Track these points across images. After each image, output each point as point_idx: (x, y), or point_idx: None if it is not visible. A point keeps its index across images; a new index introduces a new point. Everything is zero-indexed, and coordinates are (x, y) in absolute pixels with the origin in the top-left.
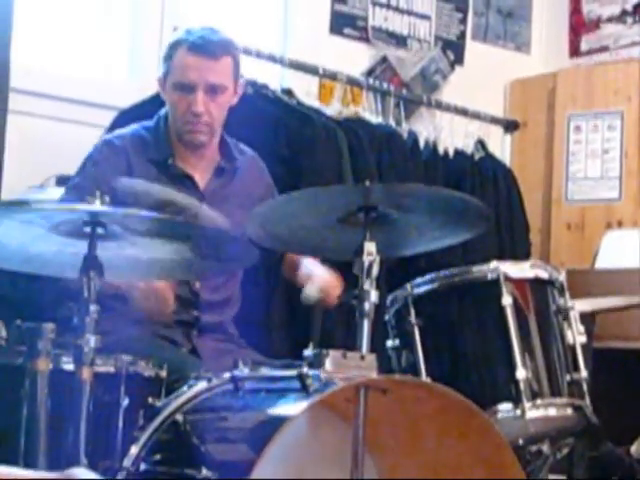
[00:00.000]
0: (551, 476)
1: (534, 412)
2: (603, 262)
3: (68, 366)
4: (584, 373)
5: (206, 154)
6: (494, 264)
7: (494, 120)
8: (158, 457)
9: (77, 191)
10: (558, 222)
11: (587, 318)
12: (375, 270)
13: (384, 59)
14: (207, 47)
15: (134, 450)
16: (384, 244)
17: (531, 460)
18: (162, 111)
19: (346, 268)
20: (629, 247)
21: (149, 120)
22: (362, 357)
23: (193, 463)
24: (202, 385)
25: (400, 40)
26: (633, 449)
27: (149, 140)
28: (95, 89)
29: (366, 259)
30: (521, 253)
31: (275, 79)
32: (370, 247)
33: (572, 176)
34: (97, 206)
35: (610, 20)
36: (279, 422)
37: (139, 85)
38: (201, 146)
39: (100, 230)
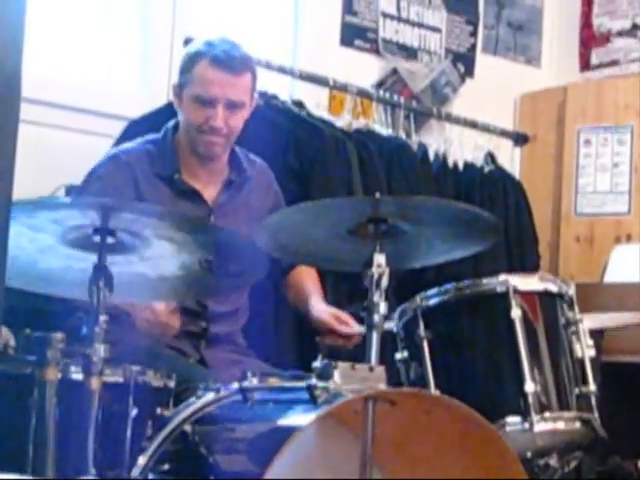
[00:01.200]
0: None
1: (542, 425)
2: (612, 276)
3: (77, 376)
4: (593, 387)
5: (215, 167)
6: (503, 277)
7: (504, 133)
8: (166, 467)
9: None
10: (567, 235)
11: (596, 332)
12: (384, 282)
13: (394, 71)
14: (230, 63)
15: (142, 460)
16: (394, 256)
17: (539, 474)
18: (170, 123)
19: (355, 280)
20: (638, 261)
21: (157, 132)
22: (371, 369)
23: (201, 474)
24: (210, 396)
25: (410, 52)
26: None
27: (155, 154)
28: (105, 99)
29: (375, 271)
30: (530, 266)
31: (285, 90)
32: (380, 259)
33: (581, 190)
34: (107, 201)
35: (620, 34)
36: (287, 433)
37: (149, 95)
38: (214, 158)
39: (110, 239)
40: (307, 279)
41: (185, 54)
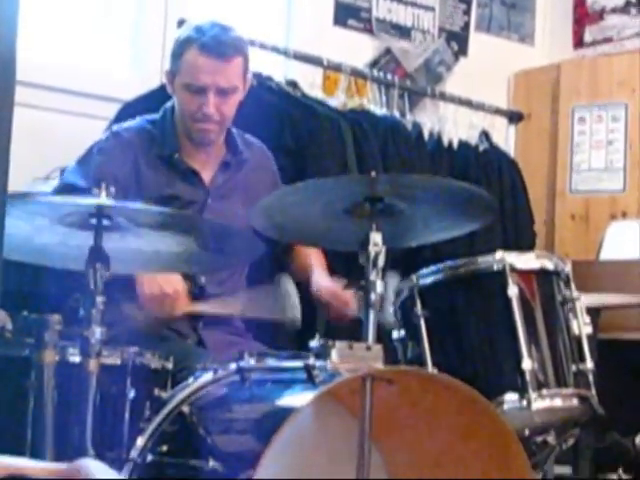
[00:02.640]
0: (557, 467)
1: (540, 403)
2: (607, 253)
3: (74, 358)
4: (590, 364)
5: (213, 149)
6: (500, 255)
7: (498, 111)
8: (165, 448)
9: (79, 174)
10: (562, 213)
11: (592, 310)
12: (381, 261)
13: (388, 50)
14: (219, 49)
15: (140, 441)
16: (390, 235)
17: (537, 451)
18: (168, 104)
19: (352, 259)
20: (633, 238)
21: (154, 113)
22: (368, 348)
23: (200, 454)
24: (208, 376)
25: (404, 31)
26: (638, 440)
27: (155, 134)
28: (99, 82)
29: (372, 250)
30: (525, 244)
31: (279, 71)
32: (376, 238)
33: (576, 167)
34: (103, 200)
35: (614, 11)
36: (286, 413)
37: (142, 77)
38: (210, 143)
39: (106, 222)
40: (310, 254)
41: (175, 40)
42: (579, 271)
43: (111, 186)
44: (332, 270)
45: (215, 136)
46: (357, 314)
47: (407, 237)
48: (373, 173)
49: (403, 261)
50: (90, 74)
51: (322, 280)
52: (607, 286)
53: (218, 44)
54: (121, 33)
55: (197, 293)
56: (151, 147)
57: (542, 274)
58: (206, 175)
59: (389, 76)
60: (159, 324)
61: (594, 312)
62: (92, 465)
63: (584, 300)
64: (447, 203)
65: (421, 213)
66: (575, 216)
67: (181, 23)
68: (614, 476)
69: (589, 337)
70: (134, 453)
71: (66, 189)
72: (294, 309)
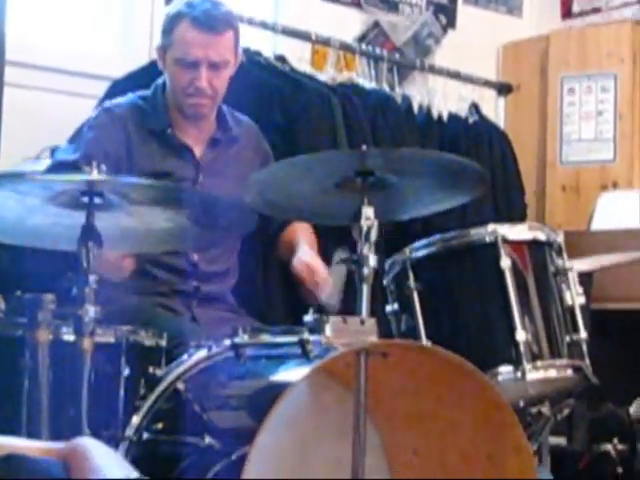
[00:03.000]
0: (552, 438)
1: (534, 374)
2: (599, 224)
3: (68, 337)
4: (583, 334)
5: (204, 125)
6: (492, 227)
7: (487, 83)
8: (160, 426)
9: (71, 152)
10: (553, 184)
11: (585, 279)
12: (374, 235)
13: (376, 24)
14: (210, 23)
15: (136, 419)
16: (382, 209)
17: (532, 422)
18: (159, 80)
19: (345, 233)
20: (624, 208)
21: (144, 89)
22: (362, 322)
23: (195, 431)
24: (203, 353)
25: (392, 5)
26: (632, 409)
27: (147, 110)
28: (88, 60)
29: (364, 224)
30: (517, 216)
31: (268, 46)
32: (368, 212)
33: (566, 138)
34: (95, 176)
35: None
36: (280, 389)
37: (131, 55)
38: (202, 118)
39: (98, 200)
40: (299, 232)
41: (166, 15)
42: (570, 242)
43: (102, 162)
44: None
45: (208, 110)
46: (326, 300)
47: (399, 210)
48: (364, 147)
49: (394, 235)
50: (79, 52)
51: (303, 255)
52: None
53: (209, 18)
54: (109, 10)
55: (190, 271)
56: (143, 122)
57: (534, 245)
58: (197, 151)
59: (378, 50)
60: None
61: (586, 280)
62: (89, 444)
63: (577, 265)
64: (438, 176)
65: (412, 186)
66: (566, 187)
67: (169, 0)
68: (609, 446)
69: (582, 307)
70: (130, 431)
71: (57, 167)
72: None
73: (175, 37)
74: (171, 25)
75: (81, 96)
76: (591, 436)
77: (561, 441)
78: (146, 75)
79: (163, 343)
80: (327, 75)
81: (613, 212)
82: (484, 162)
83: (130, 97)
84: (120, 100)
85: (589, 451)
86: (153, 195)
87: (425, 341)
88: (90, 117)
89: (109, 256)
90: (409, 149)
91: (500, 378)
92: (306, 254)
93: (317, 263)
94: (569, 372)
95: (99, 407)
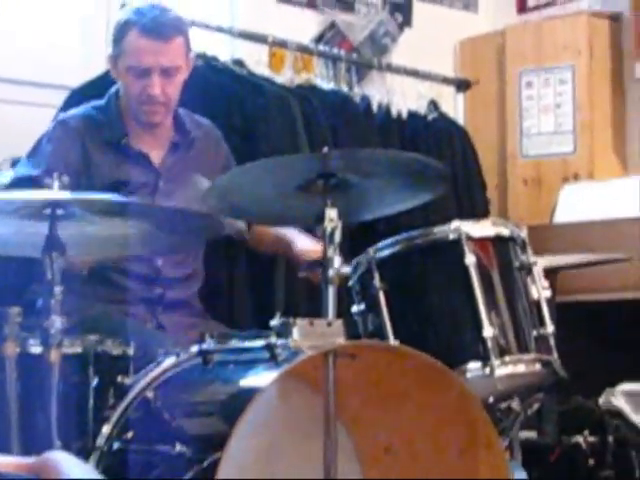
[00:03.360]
0: (522, 432)
1: (503, 369)
2: (561, 216)
3: (35, 349)
4: (550, 328)
5: (161, 131)
6: (455, 224)
7: (445, 80)
8: (131, 435)
9: (31, 166)
10: (514, 178)
11: (549, 272)
12: (337, 236)
13: (332, 24)
14: (159, 30)
15: (106, 429)
16: (345, 210)
17: (502, 418)
18: (112, 89)
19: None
20: (586, 200)
21: (102, 98)
22: (329, 324)
23: (166, 439)
24: (171, 360)
25: (348, 4)
26: (601, 400)
27: (102, 120)
28: (45, 69)
29: (328, 225)
30: (480, 211)
31: (225, 50)
32: (331, 213)
33: (526, 132)
34: (56, 193)
35: None
36: (250, 394)
37: (89, 63)
38: (157, 125)
39: (60, 211)
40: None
41: (116, 24)
42: (534, 235)
43: (63, 174)
44: None
45: (162, 117)
46: None
47: (362, 211)
48: (325, 149)
49: (357, 235)
50: (36, 62)
51: (305, 243)
52: (562, 249)
53: (158, 25)
54: (66, 20)
55: (154, 277)
56: (99, 133)
57: (498, 241)
58: (156, 157)
59: (335, 50)
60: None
61: (551, 274)
62: (60, 457)
63: (542, 263)
64: (400, 175)
65: (375, 186)
66: (527, 180)
67: (124, 7)
68: (579, 438)
69: (548, 301)
70: (100, 441)
71: (19, 182)
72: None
73: (125, 45)
74: (121, 34)
75: (40, 106)
76: (561, 429)
77: (531, 435)
78: (104, 83)
79: (130, 352)
80: (285, 77)
81: (575, 204)
82: (445, 159)
83: (84, 108)
84: (74, 112)
85: (559, 444)
86: (115, 207)
87: (393, 340)
88: (47, 131)
89: None
90: (370, 150)
91: (469, 375)
92: (304, 240)
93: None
94: (537, 366)
95: (69, 418)
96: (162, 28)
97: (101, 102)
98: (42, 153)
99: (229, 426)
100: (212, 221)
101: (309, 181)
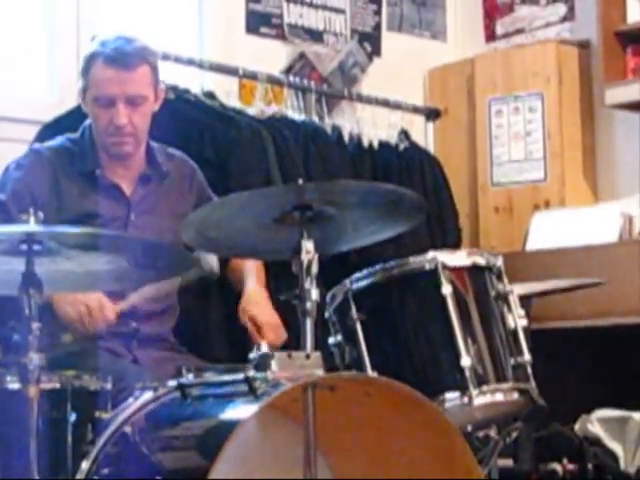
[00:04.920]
0: (498, 460)
1: (481, 399)
2: (533, 244)
3: (13, 385)
4: (527, 356)
5: (132, 163)
6: (431, 254)
7: (415, 109)
8: (110, 470)
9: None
10: (485, 206)
11: (524, 301)
12: (314, 268)
13: (302, 55)
14: (122, 59)
15: (85, 465)
16: (321, 241)
17: (480, 447)
18: (87, 122)
19: (285, 268)
20: (558, 227)
21: (74, 131)
22: (307, 356)
23: (145, 474)
24: (149, 395)
25: (316, 35)
26: (577, 428)
27: (75, 152)
28: (14, 104)
29: (305, 257)
30: (452, 240)
31: (195, 82)
32: (308, 245)
33: (496, 160)
34: (32, 227)
35: (524, 2)
36: (229, 427)
37: (59, 98)
38: (128, 157)
39: (36, 247)
40: (244, 265)
41: (83, 57)
42: (507, 263)
43: (29, 202)
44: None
45: (131, 148)
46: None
47: (338, 242)
48: (300, 181)
49: (330, 267)
50: (5, 97)
51: (248, 304)
52: (535, 276)
53: (121, 55)
54: (34, 54)
55: (128, 311)
56: (71, 164)
57: (474, 270)
58: (127, 189)
59: (305, 81)
60: (90, 338)
61: (526, 302)
62: None
63: (516, 290)
64: (376, 206)
65: (350, 218)
66: (499, 208)
67: (94, 39)
68: (556, 465)
69: (525, 329)
70: (79, 477)
71: None
72: (210, 261)
73: (91, 77)
74: (87, 66)
75: (9, 141)
76: (537, 456)
77: (508, 462)
78: (75, 118)
79: (108, 387)
80: (256, 109)
81: (547, 231)
82: (417, 188)
83: (60, 140)
84: (49, 143)
85: (536, 471)
86: (90, 241)
87: (370, 371)
88: (18, 157)
89: (90, 302)
90: (345, 181)
91: (447, 404)
92: (251, 300)
93: (262, 313)
94: (515, 395)
95: (48, 454)
96: (126, 57)
97: (76, 135)
98: (9, 178)
99: (209, 460)
100: (185, 255)
101: (285, 213)
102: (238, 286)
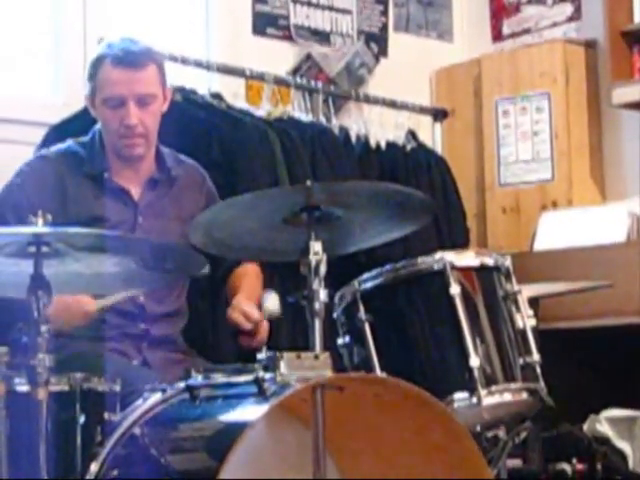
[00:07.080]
0: (507, 461)
1: (490, 399)
2: (541, 244)
3: (22, 387)
4: (536, 356)
5: (142, 167)
6: (439, 255)
7: (422, 110)
8: (119, 472)
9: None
10: (493, 207)
11: (531, 300)
12: (323, 269)
13: (308, 56)
14: (130, 58)
15: (94, 467)
16: (329, 242)
17: (488, 447)
18: (97, 126)
19: (294, 269)
20: (565, 227)
21: (81, 134)
22: (316, 357)
23: (154, 476)
24: (158, 396)
25: (323, 36)
26: (586, 427)
27: (83, 155)
28: (21, 106)
29: (313, 258)
30: (460, 240)
31: (202, 84)
32: (316, 246)
33: (504, 160)
34: (40, 228)
35: (530, 2)
36: (238, 428)
37: (67, 100)
38: (139, 159)
39: (45, 249)
40: (243, 280)
41: (90, 62)
42: (514, 263)
43: (25, 207)
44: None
45: (143, 150)
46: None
47: (346, 243)
48: (308, 182)
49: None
50: (12, 99)
51: (236, 302)
52: (543, 277)
53: (128, 54)
54: (41, 56)
55: (137, 313)
56: (79, 168)
57: (482, 271)
58: (135, 193)
59: (312, 82)
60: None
61: (534, 302)
62: None
63: (524, 292)
64: (384, 207)
65: (358, 218)
66: (506, 208)
67: (101, 42)
68: (565, 465)
69: (533, 329)
70: (89, 478)
71: None
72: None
73: (99, 79)
74: (95, 69)
75: (19, 143)
76: (546, 456)
77: (517, 463)
78: (83, 119)
79: (117, 388)
80: (263, 110)
81: (554, 231)
82: (424, 189)
83: (68, 143)
84: (57, 147)
85: (545, 471)
86: (99, 242)
87: (379, 372)
88: (24, 163)
89: (68, 302)
90: (352, 182)
91: (456, 405)
92: (240, 303)
93: (251, 309)
94: (524, 395)
95: (57, 456)
96: (133, 57)
97: (86, 138)
98: (10, 189)
99: (218, 461)
100: (194, 257)
101: (293, 214)
102: (229, 295)
